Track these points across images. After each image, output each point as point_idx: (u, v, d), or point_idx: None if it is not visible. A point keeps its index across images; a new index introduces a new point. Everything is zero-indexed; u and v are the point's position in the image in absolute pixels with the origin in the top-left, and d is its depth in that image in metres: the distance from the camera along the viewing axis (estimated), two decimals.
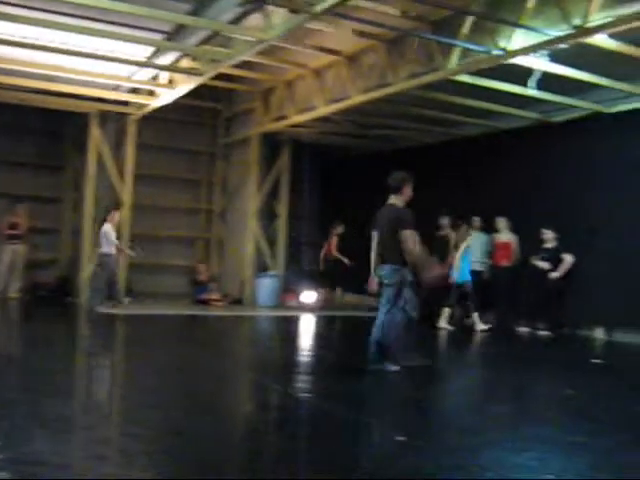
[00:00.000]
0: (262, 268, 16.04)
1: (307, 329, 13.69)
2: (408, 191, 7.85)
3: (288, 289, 16.10)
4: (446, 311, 12.51)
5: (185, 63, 12.10)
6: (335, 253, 15.50)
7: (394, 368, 7.66)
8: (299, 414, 6.17)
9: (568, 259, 11.98)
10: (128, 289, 14.96)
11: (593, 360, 9.73)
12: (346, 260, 15.30)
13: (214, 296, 15.68)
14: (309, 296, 15.94)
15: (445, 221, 13.27)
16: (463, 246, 12.52)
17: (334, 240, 15.68)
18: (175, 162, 17.15)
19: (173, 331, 12.08)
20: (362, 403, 6.52)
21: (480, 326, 12.36)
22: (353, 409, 6.22)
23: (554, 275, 12.04)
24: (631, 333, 11.39)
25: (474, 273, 12.72)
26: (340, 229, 15.70)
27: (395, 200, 7.86)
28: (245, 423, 5.96)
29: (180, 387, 7.10)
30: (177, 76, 12.74)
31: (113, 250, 13.50)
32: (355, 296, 16.19)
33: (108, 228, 13.51)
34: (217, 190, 17.63)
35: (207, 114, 17.56)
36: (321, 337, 12.63)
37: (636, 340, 11.27)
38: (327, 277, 15.95)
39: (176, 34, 11.05)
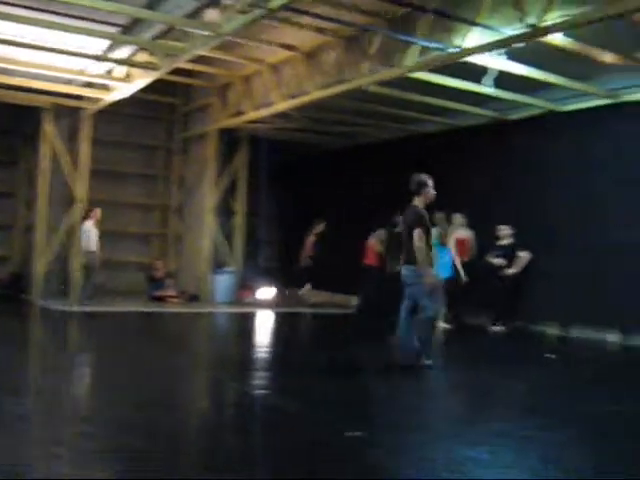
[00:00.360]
0: (219, 264, 15.95)
1: (264, 326, 13.65)
2: (429, 192, 8.06)
3: (245, 286, 16.04)
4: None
5: (141, 57, 11.96)
6: (306, 252, 15.36)
7: (428, 362, 7.97)
8: (254, 411, 6.14)
9: (523, 256, 12.08)
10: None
11: (547, 355, 9.86)
12: (307, 260, 15.21)
13: (170, 292, 15.56)
14: (266, 293, 15.92)
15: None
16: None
17: (312, 239, 15.58)
18: (131, 157, 16.96)
19: (129, 328, 11.94)
20: (318, 400, 6.50)
21: (442, 324, 12.41)
22: (308, 406, 6.21)
23: (510, 271, 12.15)
24: (588, 329, 11.54)
25: None
26: (320, 228, 15.61)
27: (417, 201, 8.07)
28: (200, 420, 5.91)
29: (135, 384, 7.01)
30: (133, 70, 12.57)
31: (94, 248, 13.32)
32: (328, 294, 16.22)
33: (89, 226, 13.35)
34: (174, 186, 17.48)
35: (164, 109, 17.41)
36: (279, 334, 12.60)
37: (592, 336, 11.44)
38: (303, 275, 15.80)
39: (132, 27, 10.93)
